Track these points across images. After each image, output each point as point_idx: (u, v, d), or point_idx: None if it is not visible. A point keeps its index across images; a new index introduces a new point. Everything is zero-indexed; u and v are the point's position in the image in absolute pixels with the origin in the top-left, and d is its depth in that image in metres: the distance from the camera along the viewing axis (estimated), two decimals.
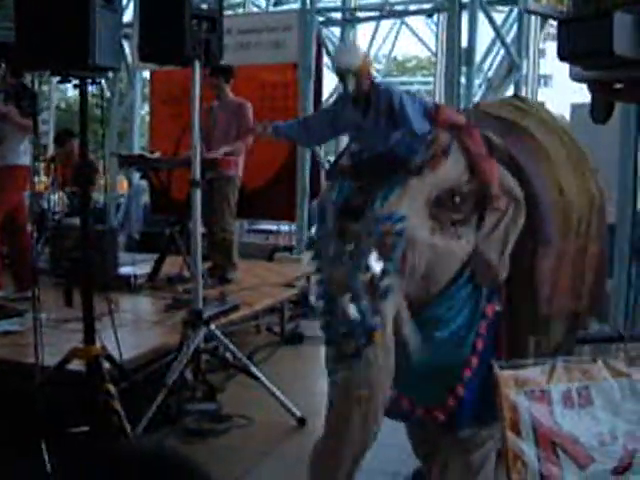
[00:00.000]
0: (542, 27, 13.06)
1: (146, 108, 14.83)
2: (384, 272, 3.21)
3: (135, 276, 7.80)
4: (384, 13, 13.59)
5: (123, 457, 1.60)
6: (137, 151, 12.29)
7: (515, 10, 11.25)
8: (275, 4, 14.77)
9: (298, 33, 11.13)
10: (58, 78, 4.86)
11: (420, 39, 16.41)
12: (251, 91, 10.08)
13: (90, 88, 4.78)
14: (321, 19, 11.95)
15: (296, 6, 12.44)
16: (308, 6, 11.35)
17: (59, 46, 4.41)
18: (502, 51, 11.89)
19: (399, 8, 13.90)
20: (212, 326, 5.63)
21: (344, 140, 7.93)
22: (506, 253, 3.46)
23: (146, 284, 7.83)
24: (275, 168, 11.31)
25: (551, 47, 12.47)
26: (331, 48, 12.17)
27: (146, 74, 13.47)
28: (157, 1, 5.41)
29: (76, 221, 5.76)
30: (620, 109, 6.58)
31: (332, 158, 11.74)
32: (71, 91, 21.35)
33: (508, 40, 11.38)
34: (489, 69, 12.84)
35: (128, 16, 11.86)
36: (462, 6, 10.20)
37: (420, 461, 4.14)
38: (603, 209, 3.90)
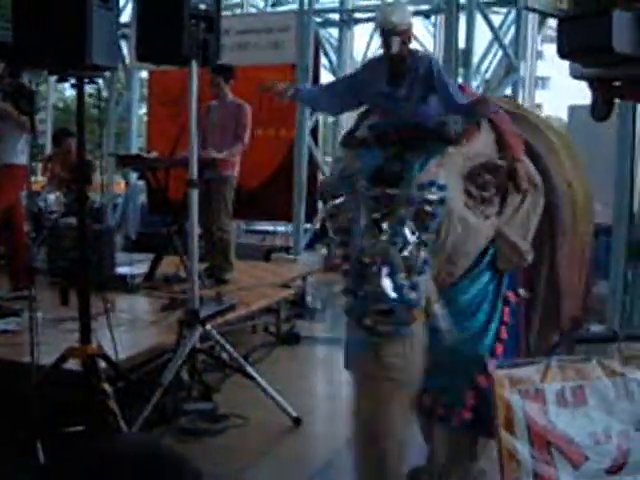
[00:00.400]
0: (540, 29, 13.08)
1: (144, 108, 14.82)
2: (420, 244, 3.13)
3: (132, 276, 7.80)
4: None
5: (117, 455, 1.61)
6: (135, 151, 12.30)
7: (513, 12, 11.27)
8: (273, 5, 14.78)
9: (296, 34, 11.16)
10: (56, 77, 4.87)
11: (418, 40, 16.40)
12: (249, 91, 10.08)
13: (88, 88, 4.78)
14: (319, 20, 11.97)
15: (294, 7, 12.45)
16: (306, 7, 11.37)
17: (56, 45, 4.40)
18: (500, 53, 11.90)
19: None
20: (208, 326, 5.62)
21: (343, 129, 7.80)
22: (529, 237, 3.44)
23: (143, 284, 7.83)
24: (272, 168, 11.34)
25: (549, 49, 12.50)
26: (329, 49, 12.20)
27: (144, 74, 13.48)
28: (155, 1, 5.39)
29: (73, 221, 5.77)
30: (617, 111, 6.61)
31: (329, 159, 11.78)
32: (69, 90, 21.32)
33: (506, 42, 11.39)
34: (487, 71, 12.85)
35: (126, 16, 11.88)
36: (460, 7, 10.21)
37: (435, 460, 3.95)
38: (592, 210, 3.93)
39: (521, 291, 3.50)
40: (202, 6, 5.35)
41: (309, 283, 9.40)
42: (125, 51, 12.46)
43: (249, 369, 5.69)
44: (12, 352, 5.37)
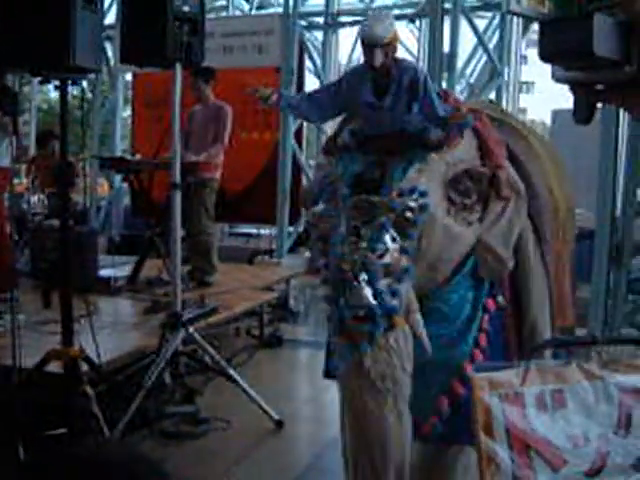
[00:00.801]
0: (524, 34, 13.13)
1: (128, 111, 14.79)
2: (402, 250, 3.11)
3: (115, 278, 7.80)
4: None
5: (94, 461, 1.60)
6: (119, 153, 12.27)
7: (497, 16, 11.30)
8: (258, 8, 14.77)
9: (280, 37, 11.15)
10: (39, 79, 4.86)
11: (402, 44, 16.43)
12: (233, 94, 10.07)
13: (71, 90, 4.77)
14: (303, 23, 11.97)
15: (279, 10, 12.45)
16: (291, 10, 11.36)
17: (39, 47, 4.39)
18: (484, 57, 11.93)
19: None
20: (191, 329, 5.62)
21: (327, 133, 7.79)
22: (510, 245, 3.43)
23: (126, 286, 7.82)
24: (256, 171, 11.33)
25: (533, 54, 12.55)
26: (313, 52, 12.20)
27: (128, 77, 13.45)
28: (139, 3, 5.39)
29: (56, 223, 5.75)
30: (600, 115, 6.64)
31: (313, 162, 11.77)
32: (53, 92, 21.25)
33: (490, 46, 11.42)
34: (471, 75, 12.89)
35: (111, 18, 11.85)
36: (444, 12, 10.23)
37: None
38: (574, 215, 3.95)
39: (500, 299, 3.50)
40: (186, 8, 5.34)
41: (292, 286, 9.41)
42: (110, 53, 12.45)
43: (232, 372, 5.69)
44: None
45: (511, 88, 12.05)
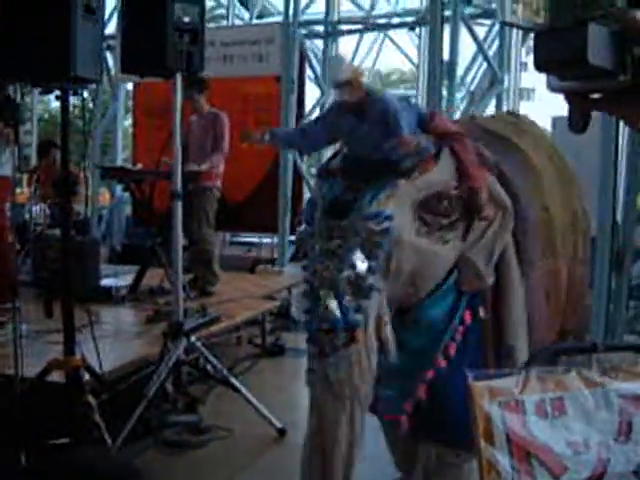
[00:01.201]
0: (524, 41, 13.14)
1: (129, 120, 14.82)
2: (369, 270, 3.25)
3: (117, 288, 7.81)
4: (367, 26, 13.67)
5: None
6: (120, 163, 12.29)
7: (497, 24, 11.33)
8: (258, 17, 14.80)
9: (281, 46, 11.17)
10: (40, 89, 4.87)
11: (403, 52, 16.47)
12: (234, 103, 10.13)
13: (73, 100, 4.78)
14: (304, 32, 12.00)
15: (279, 19, 12.47)
16: (291, 19, 11.39)
17: (40, 57, 4.40)
18: (484, 65, 11.96)
19: (382, 21, 14.00)
20: (193, 338, 5.62)
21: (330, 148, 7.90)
22: (492, 261, 3.50)
23: (127, 296, 7.83)
24: (257, 180, 11.34)
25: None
26: (314, 61, 12.23)
27: (129, 86, 13.48)
28: (139, 13, 5.41)
29: (58, 232, 5.76)
30: (600, 122, 6.64)
31: (314, 170, 11.80)
32: (54, 102, 21.28)
33: (490, 54, 11.45)
34: (471, 82, 12.91)
35: (112, 28, 11.88)
36: (444, 20, 10.25)
37: (402, 475, 4.13)
38: (588, 234, 3.98)
39: (480, 311, 3.55)
40: (186, 18, 5.36)
41: (294, 295, 9.39)
42: (110, 62, 12.47)
43: (234, 381, 5.69)
44: None
45: (511, 95, 12.07)
